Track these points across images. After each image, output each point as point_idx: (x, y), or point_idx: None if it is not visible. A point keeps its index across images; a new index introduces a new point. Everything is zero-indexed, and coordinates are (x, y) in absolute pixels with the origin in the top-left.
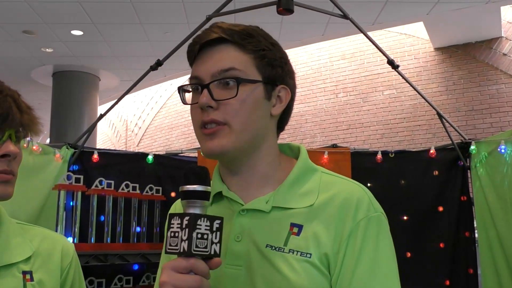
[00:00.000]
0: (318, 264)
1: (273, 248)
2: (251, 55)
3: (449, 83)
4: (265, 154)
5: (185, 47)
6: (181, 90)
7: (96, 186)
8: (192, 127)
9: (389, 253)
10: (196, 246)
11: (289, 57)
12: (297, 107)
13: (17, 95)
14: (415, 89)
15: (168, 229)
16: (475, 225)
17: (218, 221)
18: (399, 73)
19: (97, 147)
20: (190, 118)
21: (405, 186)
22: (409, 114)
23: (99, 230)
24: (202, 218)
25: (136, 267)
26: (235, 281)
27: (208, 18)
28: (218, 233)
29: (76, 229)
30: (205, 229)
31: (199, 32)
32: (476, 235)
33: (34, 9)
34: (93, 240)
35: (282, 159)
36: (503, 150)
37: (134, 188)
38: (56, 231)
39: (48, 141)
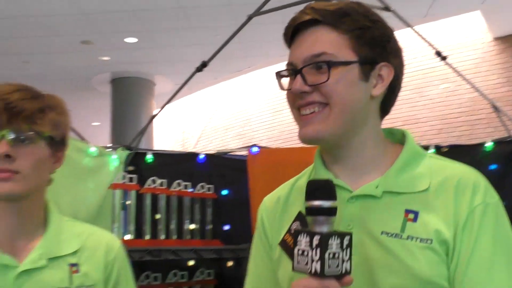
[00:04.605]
0: (439, 251)
1: (390, 235)
2: (346, 35)
3: (510, 74)
4: (368, 138)
5: (231, 49)
6: (279, 76)
7: (149, 185)
8: (246, 128)
9: (508, 242)
10: (329, 267)
11: None
12: None
13: (16, 97)
14: (467, 82)
15: (295, 245)
16: None
17: (348, 237)
18: (448, 65)
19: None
20: (244, 119)
21: None
22: (468, 108)
23: (153, 228)
24: (333, 237)
25: (190, 263)
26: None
27: (249, 18)
28: (349, 249)
29: (132, 227)
30: (336, 248)
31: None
32: None
33: (91, 20)
34: (148, 237)
35: (387, 144)
36: None
37: (186, 187)
38: (113, 228)
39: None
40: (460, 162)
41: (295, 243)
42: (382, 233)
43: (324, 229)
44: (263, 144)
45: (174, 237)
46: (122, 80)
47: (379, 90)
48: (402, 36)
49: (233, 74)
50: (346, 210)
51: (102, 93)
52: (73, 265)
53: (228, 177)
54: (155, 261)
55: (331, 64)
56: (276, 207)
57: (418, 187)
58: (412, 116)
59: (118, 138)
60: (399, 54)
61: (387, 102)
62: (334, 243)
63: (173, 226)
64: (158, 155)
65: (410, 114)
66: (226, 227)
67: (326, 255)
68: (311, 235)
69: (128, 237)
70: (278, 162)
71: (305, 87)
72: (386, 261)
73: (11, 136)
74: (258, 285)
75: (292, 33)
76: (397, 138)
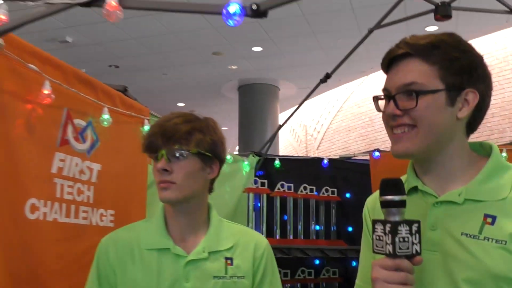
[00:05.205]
0: None
1: (468, 235)
2: (435, 66)
3: None
4: (453, 153)
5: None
6: (376, 99)
7: (278, 189)
8: (369, 129)
9: None
10: (400, 249)
11: None
12: None
13: (171, 123)
14: None
15: (373, 232)
16: None
17: (416, 225)
18: None
19: (280, 153)
20: (366, 120)
21: None
22: None
23: (282, 228)
24: (402, 224)
25: (316, 261)
26: (432, 264)
27: (370, 31)
28: (417, 235)
29: (264, 227)
30: (406, 233)
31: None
32: None
33: (220, 33)
34: (278, 236)
35: (473, 157)
36: None
37: (311, 190)
38: None
39: (237, 148)
40: None
41: (373, 230)
42: (462, 234)
43: (396, 218)
44: (386, 144)
45: (301, 237)
46: (248, 86)
47: (465, 113)
48: None
49: (357, 75)
50: (432, 213)
51: (230, 99)
52: (228, 258)
53: (351, 181)
54: (284, 259)
55: (419, 93)
56: (375, 206)
57: (498, 196)
58: None
59: (246, 141)
60: (486, 79)
61: (473, 121)
62: (403, 229)
63: (300, 227)
64: (285, 160)
65: None
66: (350, 229)
67: (397, 239)
68: (384, 223)
69: None
70: (401, 165)
71: (396, 111)
72: (463, 258)
73: (166, 154)
74: (366, 270)
75: (388, 63)
76: (486, 150)
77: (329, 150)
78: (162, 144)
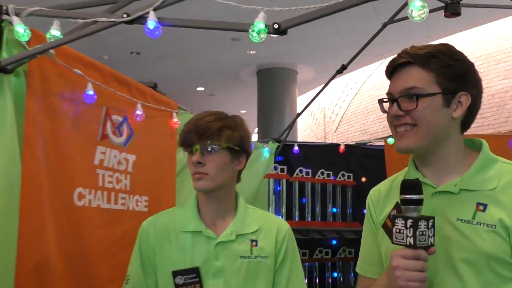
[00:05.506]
0: (502, 234)
1: (463, 221)
2: (433, 73)
3: None
4: (449, 148)
5: (372, 35)
6: (381, 101)
7: (297, 174)
8: None
9: None
10: (419, 241)
11: (487, 32)
12: (500, 84)
13: (204, 121)
14: None
15: (392, 226)
16: None
17: (432, 220)
18: None
19: (298, 136)
20: None
21: None
22: None
23: (301, 210)
24: (422, 220)
25: (333, 242)
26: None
27: (384, 26)
28: (432, 229)
29: (283, 210)
30: (424, 228)
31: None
32: None
33: (239, 20)
34: (297, 218)
35: (466, 152)
36: None
37: (328, 175)
38: (268, 211)
39: (256, 130)
40: None
41: (393, 224)
42: (457, 219)
43: (414, 214)
44: None
45: (319, 219)
46: (267, 71)
47: (459, 113)
48: None
49: (375, 58)
50: (431, 201)
51: (249, 83)
52: (253, 240)
53: (366, 166)
54: (303, 239)
55: (419, 96)
56: (378, 197)
57: (488, 186)
58: None
59: (264, 124)
60: (477, 84)
61: (467, 121)
62: (422, 224)
63: (317, 209)
64: (303, 146)
65: None
66: (365, 211)
67: (417, 233)
68: (405, 219)
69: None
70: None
71: (399, 112)
72: (459, 241)
73: (200, 149)
74: (367, 254)
75: (391, 70)
76: (477, 146)
77: (347, 133)
78: (196, 140)
